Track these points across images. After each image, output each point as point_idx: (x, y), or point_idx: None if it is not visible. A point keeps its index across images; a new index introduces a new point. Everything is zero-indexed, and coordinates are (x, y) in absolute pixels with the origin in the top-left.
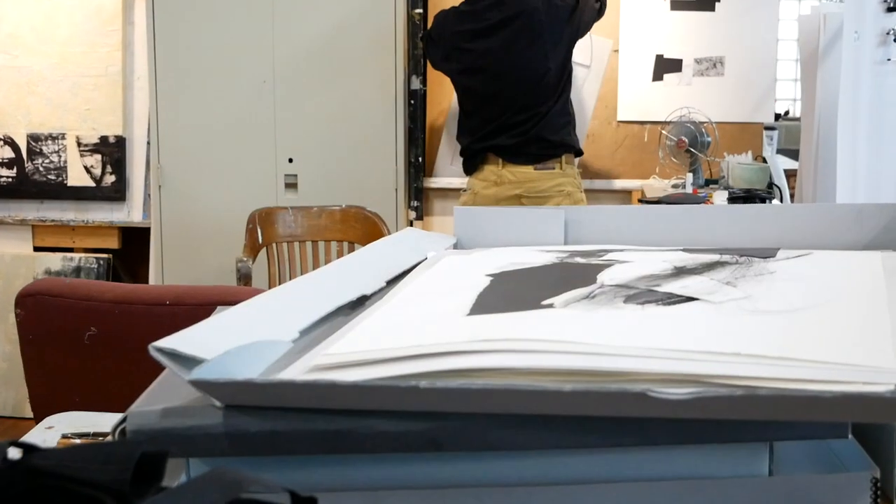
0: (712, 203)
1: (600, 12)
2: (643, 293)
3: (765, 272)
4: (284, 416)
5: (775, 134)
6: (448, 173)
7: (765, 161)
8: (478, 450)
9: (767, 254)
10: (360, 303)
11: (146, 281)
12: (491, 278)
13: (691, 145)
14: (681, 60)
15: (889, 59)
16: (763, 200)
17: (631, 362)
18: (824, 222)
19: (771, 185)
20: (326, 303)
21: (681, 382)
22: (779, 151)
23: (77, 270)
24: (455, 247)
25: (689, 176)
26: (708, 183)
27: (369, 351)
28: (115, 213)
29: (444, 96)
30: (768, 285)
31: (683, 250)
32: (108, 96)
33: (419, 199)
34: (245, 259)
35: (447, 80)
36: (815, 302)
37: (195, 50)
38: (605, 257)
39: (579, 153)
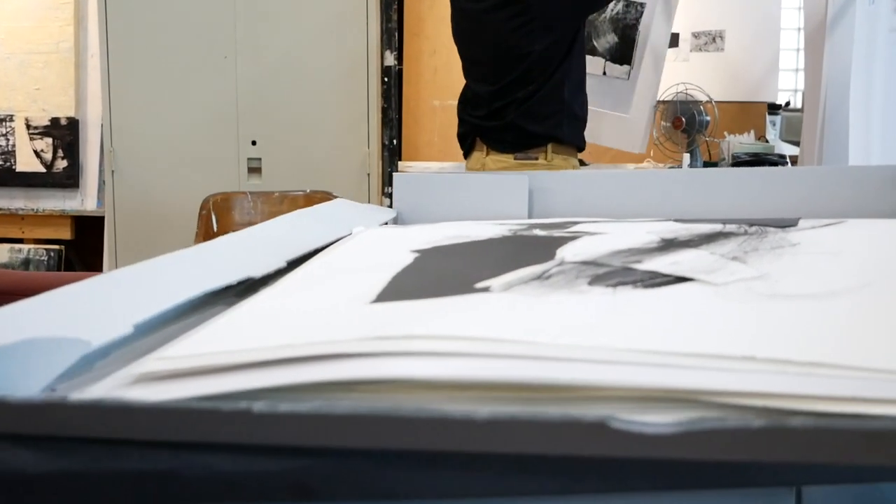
0: None
1: None
2: (617, 272)
3: (785, 244)
4: (80, 451)
5: (778, 119)
6: (427, 157)
7: (767, 142)
8: (364, 499)
9: (786, 223)
10: (254, 288)
11: (97, 272)
12: (417, 255)
13: (689, 125)
14: (678, 35)
15: None
16: (774, 165)
17: (587, 370)
18: (852, 188)
19: (780, 154)
20: (191, 287)
21: (665, 402)
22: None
23: (26, 263)
24: (396, 221)
25: (686, 157)
26: (707, 165)
27: (216, 354)
28: (68, 201)
29: (421, 73)
30: (791, 261)
31: (676, 221)
32: (60, 75)
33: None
34: None
35: (425, 56)
36: (857, 283)
37: (150, 23)
38: (572, 229)
39: (578, 148)
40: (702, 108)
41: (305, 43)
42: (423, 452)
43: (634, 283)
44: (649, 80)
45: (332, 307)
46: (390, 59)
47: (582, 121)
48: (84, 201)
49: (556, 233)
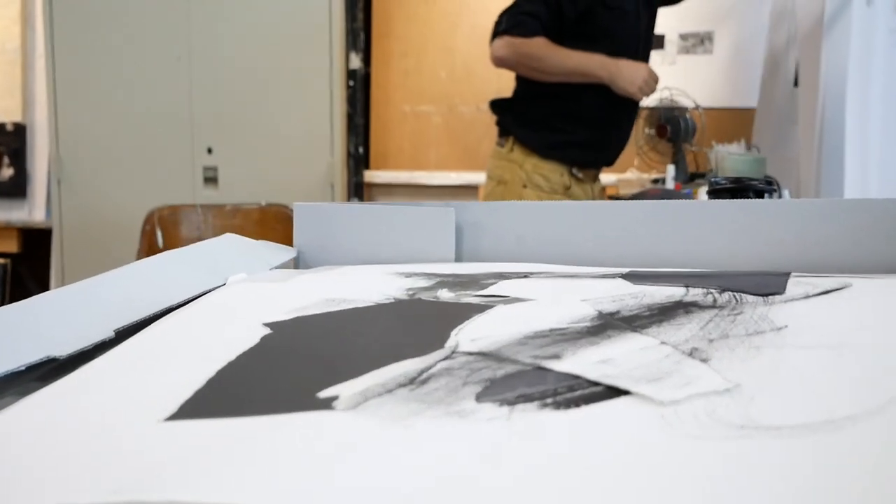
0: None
1: None
2: (522, 375)
3: (766, 327)
4: None
5: None
6: (397, 165)
7: (759, 151)
8: None
9: (769, 286)
10: (69, 369)
11: (49, 288)
12: (267, 331)
13: (674, 133)
14: (663, 36)
15: None
16: (760, 194)
17: None
18: (860, 228)
19: (768, 179)
20: None
21: None
22: None
23: None
24: (296, 263)
25: (671, 168)
26: (693, 177)
27: None
28: (15, 212)
29: (391, 76)
30: (773, 360)
31: (627, 275)
32: (6, 77)
33: (360, 195)
34: None
35: (395, 58)
36: (867, 405)
37: (98, 21)
38: (490, 289)
39: (539, 154)
40: (688, 114)
41: (264, 43)
42: None
43: (543, 398)
44: None
45: (111, 423)
46: (356, 62)
47: (557, 131)
48: (32, 212)
49: (466, 296)
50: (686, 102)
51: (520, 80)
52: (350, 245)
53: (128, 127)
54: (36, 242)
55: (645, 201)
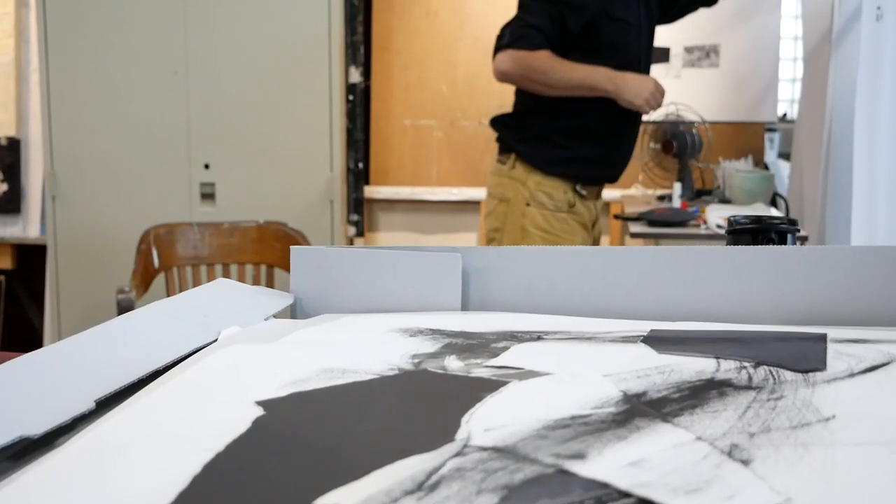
0: (704, 220)
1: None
2: (542, 481)
3: (811, 418)
4: None
5: (776, 136)
6: (398, 181)
7: (767, 167)
8: None
9: (808, 358)
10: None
11: (44, 304)
12: (260, 413)
13: (680, 148)
14: (668, 49)
15: None
16: (782, 237)
17: None
18: (886, 275)
19: (775, 197)
20: None
21: None
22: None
23: None
24: (293, 311)
25: (677, 186)
26: (700, 194)
27: None
28: (9, 228)
29: (391, 90)
30: (825, 462)
31: (648, 338)
32: (0, 91)
33: (359, 212)
34: (128, 290)
35: (395, 71)
36: None
37: (94, 34)
38: (502, 357)
39: (543, 171)
40: (694, 129)
41: (261, 57)
42: None
43: None
44: None
45: None
46: (356, 76)
47: (559, 147)
48: (26, 228)
49: (476, 366)
50: (692, 117)
51: (519, 94)
52: (351, 291)
53: (124, 142)
54: (30, 258)
55: (661, 247)
